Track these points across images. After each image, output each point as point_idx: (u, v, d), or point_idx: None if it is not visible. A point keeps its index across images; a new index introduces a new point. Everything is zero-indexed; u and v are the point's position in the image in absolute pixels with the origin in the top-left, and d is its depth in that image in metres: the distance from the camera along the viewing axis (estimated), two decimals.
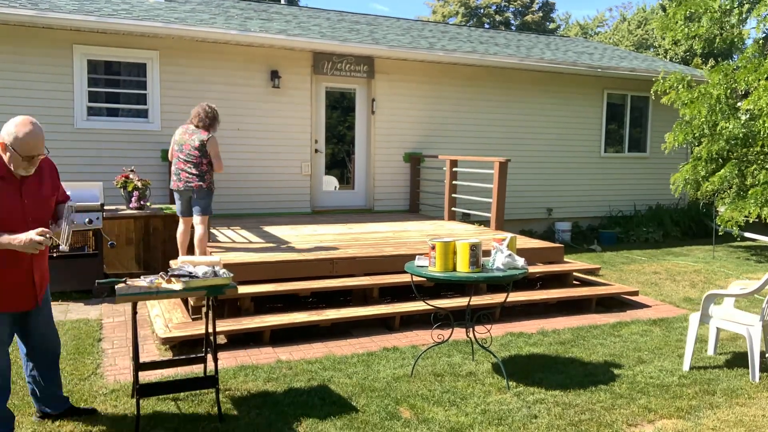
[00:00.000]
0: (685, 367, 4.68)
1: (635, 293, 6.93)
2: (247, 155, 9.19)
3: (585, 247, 10.40)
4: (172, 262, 6.75)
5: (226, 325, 5.08)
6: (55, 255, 6.46)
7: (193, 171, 5.94)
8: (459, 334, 5.14)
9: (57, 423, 3.57)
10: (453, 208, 9.35)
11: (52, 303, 3.58)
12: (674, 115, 11.19)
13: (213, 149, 5.95)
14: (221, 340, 5.11)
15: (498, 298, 6.11)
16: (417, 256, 4.51)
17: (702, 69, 14.86)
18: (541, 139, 11.35)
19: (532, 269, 6.58)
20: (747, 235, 11.01)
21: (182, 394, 3.99)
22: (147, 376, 4.19)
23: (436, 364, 4.69)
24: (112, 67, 8.53)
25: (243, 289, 5.39)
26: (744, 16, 9.49)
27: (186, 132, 6.04)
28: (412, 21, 14.20)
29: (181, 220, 6.26)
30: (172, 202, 8.46)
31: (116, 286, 3.54)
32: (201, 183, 5.95)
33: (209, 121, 6.01)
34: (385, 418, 3.72)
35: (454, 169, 9.24)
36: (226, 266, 5.51)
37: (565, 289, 6.74)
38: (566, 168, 11.63)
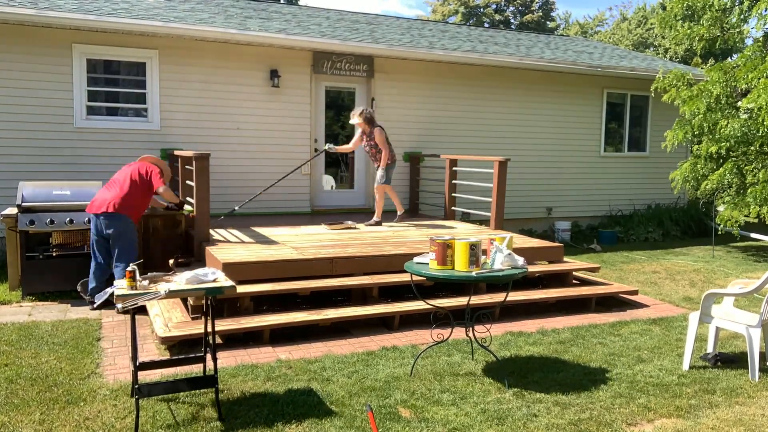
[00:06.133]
0: (685, 366, 4.68)
1: (635, 292, 6.93)
2: (247, 154, 9.19)
3: (585, 247, 10.40)
4: (171, 262, 6.75)
5: (225, 324, 5.07)
6: (54, 255, 6.47)
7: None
8: (458, 333, 5.14)
9: (56, 424, 3.58)
10: (453, 208, 9.35)
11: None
12: (674, 114, 11.20)
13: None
14: (220, 339, 5.10)
15: (497, 297, 6.11)
16: (417, 256, 4.51)
17: (702, 68, 14.86)
18: (541, 138, 11.35)
19: (531, 269, 6.57)
20: (752, 235, 11.02)
21: (182, 393, 3.99)
22: (146, 376, 4.19)
23: (435, 363, 4.69)
24: (111, 67, 8.52)
25: (242, 289, 5.39)
26: (744, 14, 9.49)
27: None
28: (411, 20, 14.21)
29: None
30: None
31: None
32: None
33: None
34: (384, 418, 3.72)
35: (454, 169, 9.24)
36: (225, 265, 5.53)
37: (564, 288, 6.74)
38: (566, 167, 11.63)
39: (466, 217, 9.68)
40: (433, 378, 4.39)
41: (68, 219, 6.40)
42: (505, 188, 8.31)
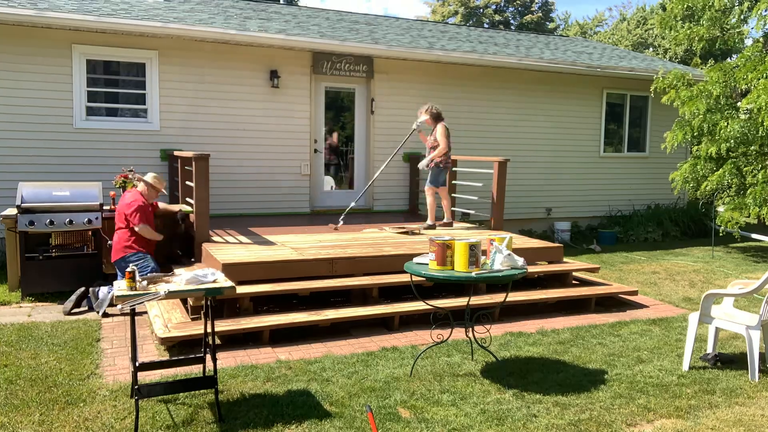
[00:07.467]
0: (685, 366, 4.68)
1: (634, 293, 6.93)
2: (247, 155, 9.19)
3: (584, 247, 10.40)
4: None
5: (225, 325, 5.07)
6: (54, 255, 6.47)
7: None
8: (458, 333, 5.14)
9: (56, 424, 3.57)
10: (452, 208, 9.33)
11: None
12: (674, 114, 11.20)
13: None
14: (220, 340, 5.10)
15: (497, 297, 6.11)
16: (416, 256, 4.51)
17: (702, 69, 14.88)
18: (541, 138, 11.35)
19: (531, 269, 6.58)
20: (752, 235, 11.01)
21: (181, 394, 3.98)
22: (146, 377, 4.19)
23: (435, 363, 4.69)
24: (111, 67, 8.52)
25: (242, 289, 5.39)
26: (744, 15, 9.49)
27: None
28: (411, 21, 14.21)
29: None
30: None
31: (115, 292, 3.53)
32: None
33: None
34: (384, 418, 3.72)
35: (454, 169, 9.24)
36: (225, 266, 5.53)
37: (564, 288, 6.73)
38: (565, 168, 11.63)
39: (465, 218, 9.68)
40: (432, 378, 4.39)
41: (68, 219, 6.40)
42: (504, 188, 8.31)
